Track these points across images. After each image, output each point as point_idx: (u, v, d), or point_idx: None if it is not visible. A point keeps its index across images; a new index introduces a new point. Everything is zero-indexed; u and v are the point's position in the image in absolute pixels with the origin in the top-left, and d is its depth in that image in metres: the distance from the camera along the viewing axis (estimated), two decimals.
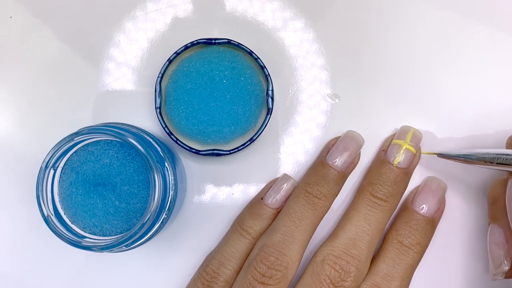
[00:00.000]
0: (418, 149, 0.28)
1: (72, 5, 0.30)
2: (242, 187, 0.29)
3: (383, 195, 0.26)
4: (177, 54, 0.27)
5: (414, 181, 0.28)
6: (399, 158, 0.27)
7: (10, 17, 0.30)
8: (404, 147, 0.27)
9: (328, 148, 0.28)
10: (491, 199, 0.27)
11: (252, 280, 0.24)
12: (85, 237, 0.25)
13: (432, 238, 0.27)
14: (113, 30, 0.30)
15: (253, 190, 0.29)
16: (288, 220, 0.26)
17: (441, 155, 0.26)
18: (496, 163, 0.23)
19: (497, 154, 0.24)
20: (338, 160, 0.27)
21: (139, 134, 0.25)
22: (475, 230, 0.29)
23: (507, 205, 0.24)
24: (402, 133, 0.28)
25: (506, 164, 0.23)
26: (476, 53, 0.29)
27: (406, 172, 0.27)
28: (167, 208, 0.24)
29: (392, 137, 0.28)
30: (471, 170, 0.29)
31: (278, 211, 0.27)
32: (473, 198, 0.29)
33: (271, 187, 0.28)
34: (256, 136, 0.27)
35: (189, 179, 0.29)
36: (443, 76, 0.29)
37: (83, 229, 0.25)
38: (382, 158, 0.27)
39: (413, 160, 0.27)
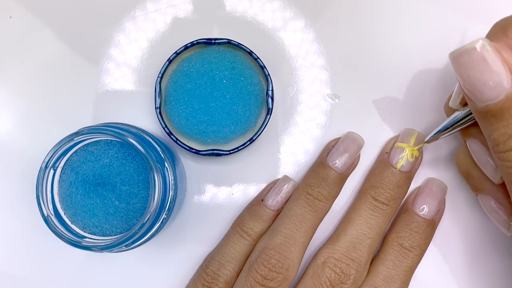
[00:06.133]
0: (421, 152, 0.27)
1: (72, 5, 0.30)
2: (242, 187, 0.29)
3: (385, 199, 0.26)
4: (177, 54, 0.27)
5: (413, 182, 0.28)
6: (402, 162, 0.27)
7: (10, 17, 0.30)
8: (407, 151, 0.27)
9: (328, 149, 0.28)
10: (464, 174, 0.26)
11: (253, 282, 0.24)
12: (85, 237, 0.25)
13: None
14: (113, 30, 0.30)
15: (253, 190, 0.29)
16: (289, 222, 0.26)
17: (429, 140, 0.26)
18: (463, 122, 0.24)
19: (459, 115, 0.24)
20: (339, 162, 0.27)
21: (139, 134, 0.25)
22: (475, 230, 0.29)
23: (479, 165, 0.24)
24: (405, 136, 0.28)
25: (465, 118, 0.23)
26: None
27: (408, 176, 0.27)
28: (167, 208, 0.24)
29: (394, 139, 0.28)
30: None
31: (279, 213, 0.27)
32: (472, 198, 0.29)
33: (271, 188, 0.28)
34: (256, 136, 0.27)
35: (189, 179, 0.29)
36: (444, 76, 0.29)
37: (83, 229, 0.25)
38: (385, 160, 0.27)
39: (415, 163, 0.27)
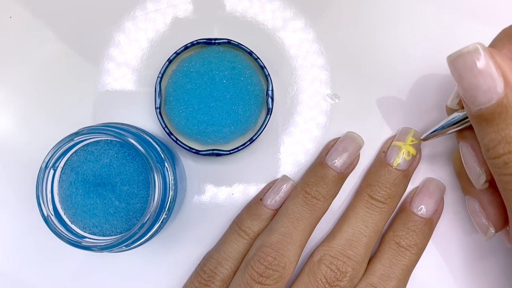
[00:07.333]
0: (419, 151, 0.28)
1: (72, 5, 0.30)
2: (242, 187, 0.29)
3: (382, 197, 0.26)
4: (177, 54, 0.27)
5: (413, 182, 0.28)
6: (399, 160, 0.27)
7: (10, 17, 0.30)
8: (403, 149, 0.27)
9: (328, 149, 0.28)
10: (457, 173, 0.27)
11: (250, 279, 0.24)
12: (85, 237, 0.25)
13: (430, 238, 0.27)
14: (113, 30, 0.30)
15: (253, 190, 0.29)
16: (286, 221, 0.26)
17: (425, 138, 0.26)
18: (460, 123, 0.24)
19: (455, 116, 0.24)
20: (338, 161, 0.27)
21: (139, 134, 0.25)
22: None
23: (466, 168, 0.24)
24: (402, 134, 0.28)
25: (461, 121, 0.24)
26: None
27: (406, 174, 0.27)
28: (167, 208, 0.24)
29: (392, 138, 0.28)
30: None
31: (277, 212, 0.27)
32: None
33: (270, 188, 0.28)
34: (256, 136, 0.27)
35: (189, 179, 0.29)
36: (445, 77, 0.29)
37: (83, 229, 0.25)
38: (381, 159, 0.27)
39: (413, 162, 0.27)
